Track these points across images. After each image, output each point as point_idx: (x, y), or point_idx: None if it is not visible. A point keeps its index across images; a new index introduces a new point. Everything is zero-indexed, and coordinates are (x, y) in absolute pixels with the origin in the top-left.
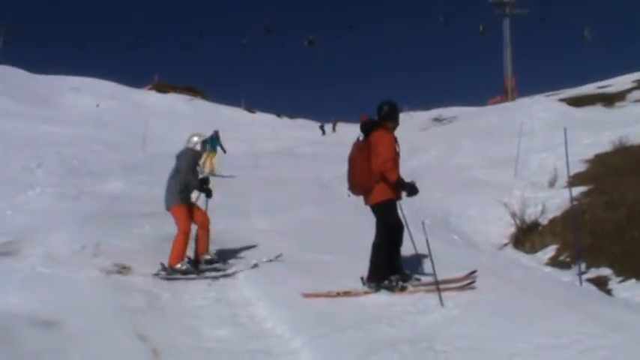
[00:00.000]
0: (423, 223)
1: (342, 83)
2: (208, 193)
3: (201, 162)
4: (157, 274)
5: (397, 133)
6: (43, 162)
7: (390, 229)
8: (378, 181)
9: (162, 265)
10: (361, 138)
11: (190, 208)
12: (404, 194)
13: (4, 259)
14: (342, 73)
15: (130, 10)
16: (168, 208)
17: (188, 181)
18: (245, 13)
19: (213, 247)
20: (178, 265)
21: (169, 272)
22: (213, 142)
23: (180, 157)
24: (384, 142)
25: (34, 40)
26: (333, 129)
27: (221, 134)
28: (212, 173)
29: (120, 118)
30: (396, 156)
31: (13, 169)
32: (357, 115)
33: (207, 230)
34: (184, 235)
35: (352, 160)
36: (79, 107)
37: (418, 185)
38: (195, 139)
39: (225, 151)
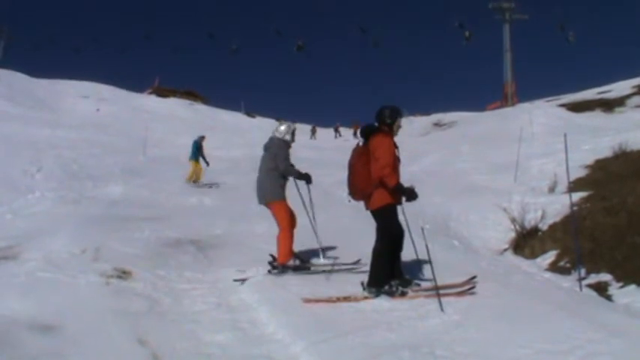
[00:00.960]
0: (422, 229)
1: (342, 87)
2: (308, 179)
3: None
4: (268, 274)
5: (397, 138)
6: (43, 166)
7: (390, 234)
8: (377, 187)
9: (271, 264)
10: (361, 143)
11: (289, 204)
12: (404, 199)
13: (4, 264)
14: (342, 78)
15: (130, 14)
16: (265, 203)
17: (286, 170)
18: (247, 17)
19: (215, 252)
20: (290, 262)
21: (281, 270)
22: (195, 149)
23: (270, 147)
24: (382, 148)
25: (35, 43)
26: (313, 135)
27: (204, 142)
28: (195, 181)
29: (120, 122)
30: (394, 161)
31: (13, 173)
32: (356, 120)
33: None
34: (288, 230)
35: (352, 166)
36: (78, 111)
37: (418, 190)
38: (283, 128)
39: (207, 164)
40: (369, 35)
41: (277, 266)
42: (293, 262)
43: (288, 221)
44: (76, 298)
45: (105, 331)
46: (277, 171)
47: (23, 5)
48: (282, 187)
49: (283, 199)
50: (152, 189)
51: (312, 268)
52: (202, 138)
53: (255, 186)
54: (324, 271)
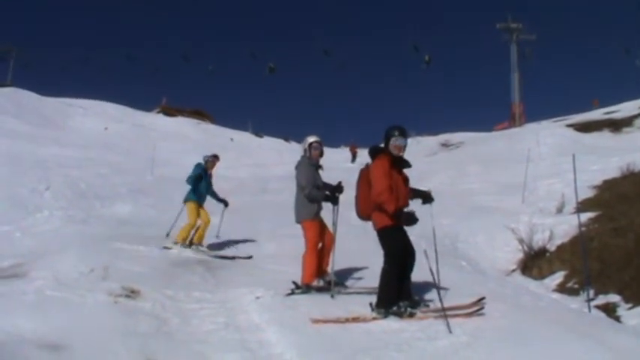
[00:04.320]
0: (425, 252)
1: (349, 108)
2: (334, 200)
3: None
4: (290, 294)
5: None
6: (51, 185)
7: (393, 255)
8: (376, 209)
9: (295, 283)
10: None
11: (321, 224)
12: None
13: (13, 282)
14: (349, 98)
15: (140, 33)
16: (298, 222)
17: (309, 195)
18: (254, 37)
19: (224, 272)
20: (314, 283)
21: (304, 290)
22: (201, 182)
23: (297, 166)
24: (377, 173)
25: (44, 62)
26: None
27: (218, 163)
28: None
29: (127, 141)
30: (392, 184)
31: (22, 192)
32: (367, 141)
33: (330, 252)
34: (313, 250)
35: (358, 187)
36: (86, 130)
37: (425, 211)
38: (310, 140)
39: (225, 203)
40: (422, 54)
41: (301, 286)
42: (317, 282)
43: (314, 242)
44: (84, 317)
45: (113, 351)
46: (304, 193)
47: (30, 24)
48: (312, 206)
49: (313, 218)
50: (159, 208)
51: (335, 293)
52: (209, 160)
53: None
54: (338, 292)
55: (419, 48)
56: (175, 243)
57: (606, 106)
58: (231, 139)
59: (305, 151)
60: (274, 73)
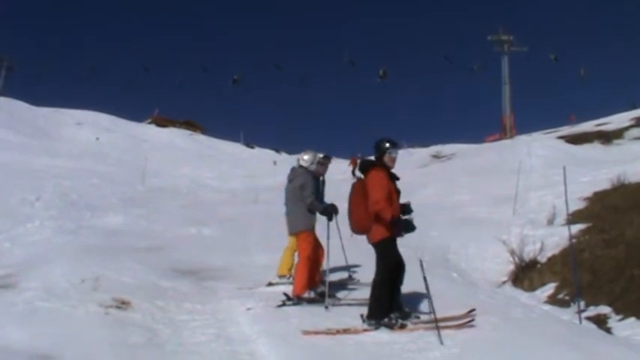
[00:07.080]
0: (420, 262)
1: (341, 119)
2: (330, 216)
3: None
4: (281, 306)
5: (396, 169)
6: (42, 195)
7: (389, 267)
8: (375, 221)
9: (285, 295)
10: (363, 178)
11: (316, 237)
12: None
13: (2, 293)
14: (341, 110)
15: (131, 45)
16: (293, 233)
17: (311, 205)
18: (245, 49)
19: (215, 283)
20: (305, 294)
21: (295, 302)
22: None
23: (294, 178)
24: (374, 183)
25: (36, 73)
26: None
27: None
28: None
29: (119, 151)
30: (388, 194)
31: (12, 202)
32: (352, 153)
33: (321, 264)
34: (308, 260)
35: (351, 201)
36: (78, 140)
37: (416, 222)
38: (307, 157)
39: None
40: (359, 68)
41: (292, 297)
42: (308, 294)
43: (308, 253)
44: (75, 329)
45: None
46: (305, 203)
47: (24, 35)
48: (311, 218)
49: (309, 230)
50: (151, 219)
51: (330, 304)
52: (324, 161)
53: (285, 217)
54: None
55: (451, 60)
56: (281, 277)
57: (597, 118)
58: (275, 163)
59: (314, 164)
60: (238, 84)
